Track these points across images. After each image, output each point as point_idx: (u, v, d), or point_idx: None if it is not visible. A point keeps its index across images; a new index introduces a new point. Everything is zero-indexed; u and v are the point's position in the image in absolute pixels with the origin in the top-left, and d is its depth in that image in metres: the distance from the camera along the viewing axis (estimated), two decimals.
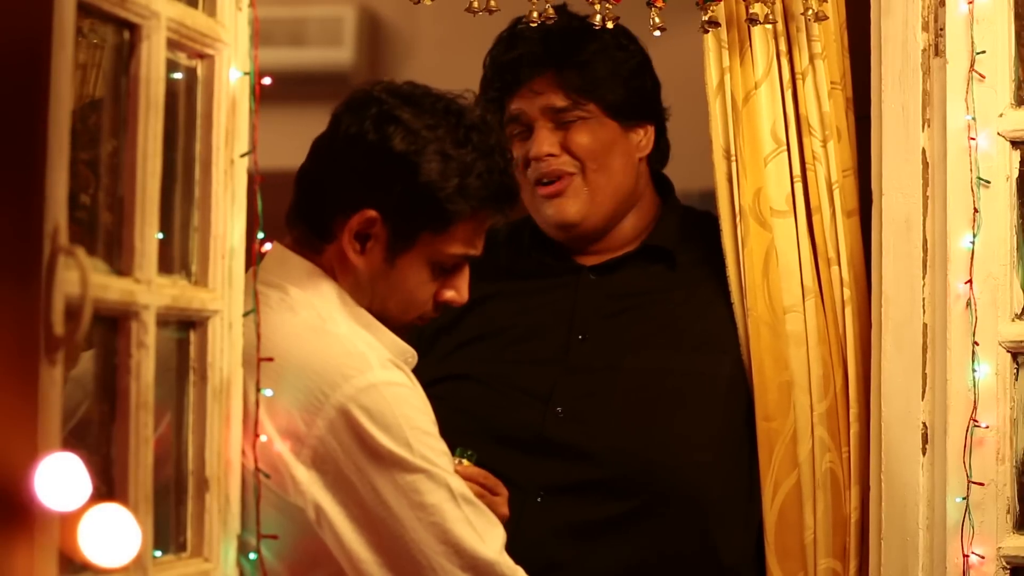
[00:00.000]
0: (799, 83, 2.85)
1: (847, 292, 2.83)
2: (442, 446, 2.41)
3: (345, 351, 2.40)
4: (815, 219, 2.85)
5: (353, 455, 2.34)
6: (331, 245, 2.48)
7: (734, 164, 2.85)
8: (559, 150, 2.95)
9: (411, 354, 2.53)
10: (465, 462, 2.62)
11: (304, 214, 2.50)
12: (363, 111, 2.46)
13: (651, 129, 3.02)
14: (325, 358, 2.38)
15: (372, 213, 2.45)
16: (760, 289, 2.83)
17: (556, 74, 2.95)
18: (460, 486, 2.40)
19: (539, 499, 2.88)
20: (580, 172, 2.95)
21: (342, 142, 2.46)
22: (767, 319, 2.83)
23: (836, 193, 2.85)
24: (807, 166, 2.86)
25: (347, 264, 2.48)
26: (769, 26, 2.80)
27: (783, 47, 2.85)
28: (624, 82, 2.98)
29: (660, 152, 3.06)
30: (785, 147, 2.85)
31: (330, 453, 2.34)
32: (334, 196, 2.47)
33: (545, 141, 2.94)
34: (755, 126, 2.85)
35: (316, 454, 2.34)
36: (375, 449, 2.34)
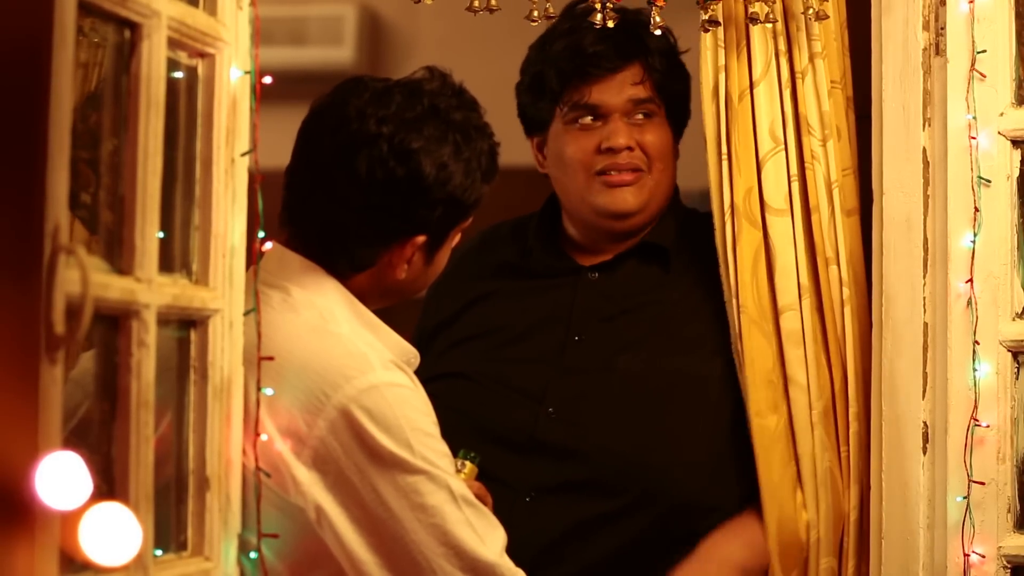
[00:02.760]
0: (799, 82, 2.85)
1: (846, 291, 2.83)
2: (443, 447, 2.41)
3: (347, 352, 2.40)
4: (813, 218, 2.85)
5: (354, 456, 2.34)
6: (364, 272, 2.49)
7: (725, 162, 2.85)
8: (635, 144, 2.97)
9: (413, 355, 2.53)
10: (468, 464, 2.62)
11: (322, 251, 2.48)
12: (372, 149, 2.45)
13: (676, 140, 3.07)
14: (326, 359, 2.38)
15: (422, 238, 2.49)
16: (750, 287, 2.83)
17: (643, 65, 2.98)
18: (461, 488, 2.40)
19: (528, 499, 2.88)
20: (648, 170, 2.98)
21: (368, 186, 2.45)
22: (755, 317, 2.83)
23: (836, 192, 2.85)
24: (806, 165, 2.86)
25: (386, 280, 2.50)
26: (769, 25, 2.80)
27: (782, 46, 2.85)
28: (685, 88, 3.04)
29: None
30: (783, 146, 2.85)
31: (331, 454, 2.34)
32: (371, 237, 2.47)
33: (624, 133, 2.96)
34: (751, 125, 2.85)
35: (317, 455, 2.34)
36: (376, 450, 2.34)
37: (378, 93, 2.48)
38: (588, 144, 2.97)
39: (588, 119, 2.98)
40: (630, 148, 2.96)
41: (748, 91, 2.84)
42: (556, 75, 2.99)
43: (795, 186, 2.85)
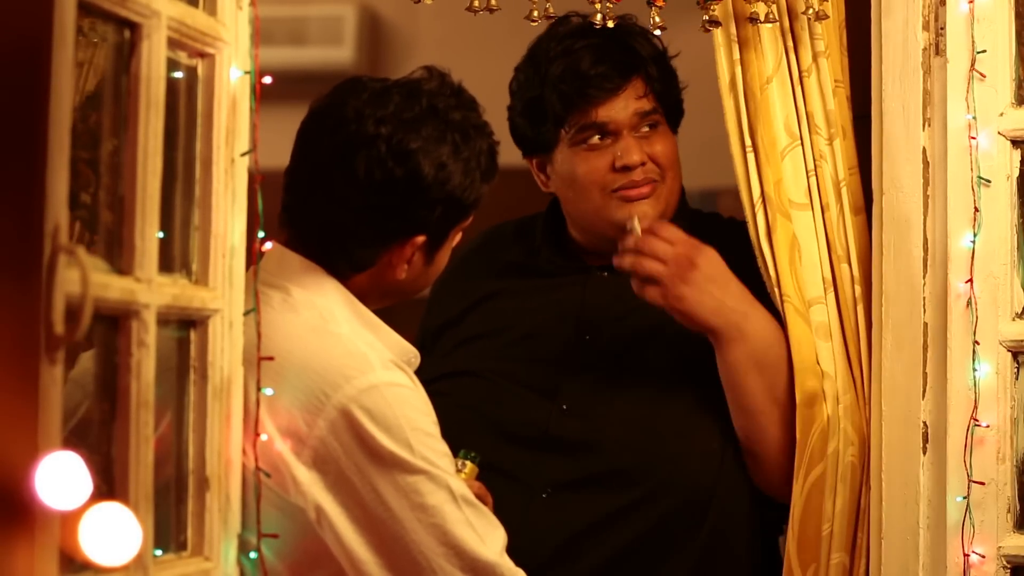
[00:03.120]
0: (805, 80, 2.85)
1: (858, 289, 2.83)
2: (443, 447, 2.41)
3: (346, 351, 2.40)
4: (826, 216, 2.86)
5: (354, 456, 2.34)
6: (364, 272, 2.49)
7: (751, 154, 2.85)
8: (646, 158, 2.97)
9: (414, 354, 2.53)
10: (468, 464, 2.62)
11: (321, 252, 2.48)
12: (370, 149, 2.45)
13: None
14: (326, 358, 2.38)
15: (422, 238, 2.48)
16: (789, 276, 2.83)
17: (643, 78, 2.98)
18: (461, 487, 2.40)
19: (545, 495, 2.89)
20: (661, 180, 2.98)
21: (367, 187, 2.44)
22: (799, 307, 2.82)
23: (844, 191, 2.85)
24: (817, 163, 2.86)
25: (386, 280, 2.50)
26: (770, 25, 2.80)
27: (790, 43, 2.85)
28: (679, 90, 3.04)
29: None
30: (799, 141, 2.85)
31: (331, 454, 2.34)
32: (370, 237, 2.47)
33: (637, 149, 2.96)
34: (770, 119, 2.85)
35: (317, 455, 2.34)
36: (376, 450, 2.34)
37: (376, 93, 2.48)
38: (600, 163, 2.97)
39: (596, 138, 2.98)
40: (643, 163, 2.96)
41: (766, 86, 2.85)
42: (559, 99, 2.97)
43: (812, 181, 2.86)
